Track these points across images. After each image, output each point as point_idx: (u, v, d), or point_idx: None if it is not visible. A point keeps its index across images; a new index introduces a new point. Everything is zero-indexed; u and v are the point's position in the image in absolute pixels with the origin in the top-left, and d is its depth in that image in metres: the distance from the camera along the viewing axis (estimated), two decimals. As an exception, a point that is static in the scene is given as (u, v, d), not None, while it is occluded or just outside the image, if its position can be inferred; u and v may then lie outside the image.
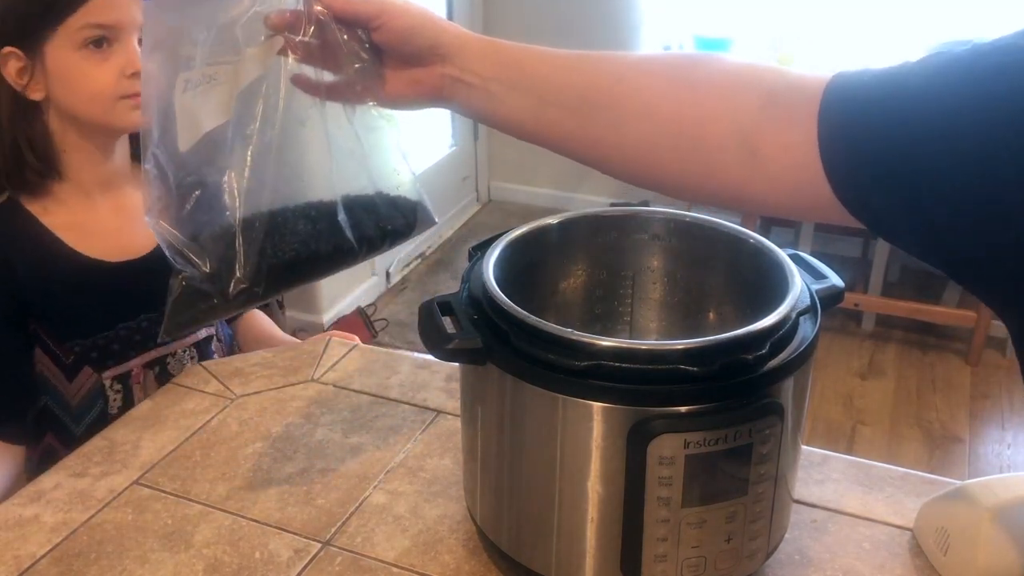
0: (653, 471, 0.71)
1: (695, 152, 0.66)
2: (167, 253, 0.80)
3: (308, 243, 0.84)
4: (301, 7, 0.76)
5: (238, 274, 0.80)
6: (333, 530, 0.93)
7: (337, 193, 0.86)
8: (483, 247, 0.87)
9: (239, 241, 0.80)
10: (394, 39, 0.76)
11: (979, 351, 2.88)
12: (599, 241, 0.96)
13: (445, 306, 0.80)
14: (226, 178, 0.80)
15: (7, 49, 1.08)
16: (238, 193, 0.80)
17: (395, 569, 0.88)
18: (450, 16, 3.65)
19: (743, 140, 0.64)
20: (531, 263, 0.91)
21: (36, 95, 1.11)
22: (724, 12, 3.42)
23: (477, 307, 0.79)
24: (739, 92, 0.65)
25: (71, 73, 1.09)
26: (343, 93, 0.79)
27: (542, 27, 3.65)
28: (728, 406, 0.71)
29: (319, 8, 0.75)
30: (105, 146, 1.19)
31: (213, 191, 0.80)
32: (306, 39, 0.76)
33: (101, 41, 1.08)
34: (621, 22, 3.54)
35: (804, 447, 0.93)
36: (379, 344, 2.79)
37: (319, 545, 0.91)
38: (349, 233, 0.85)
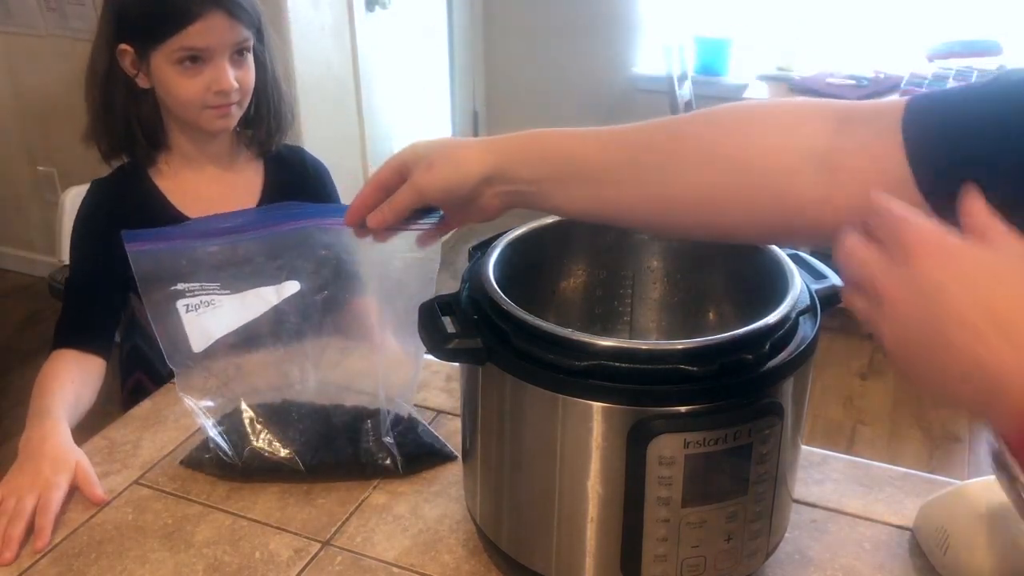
0: (653, 471, 0.71)
1: (765, 182, 0.67)
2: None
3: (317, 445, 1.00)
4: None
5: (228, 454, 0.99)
6: (333, 530, 0.93)
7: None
8: (483, 247, 0.87)
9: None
10: (442, 204, 0.80)
11: (979, 351, 2.88)
12: (599, 241, 0.96)
13: (445, 306, 0.80)
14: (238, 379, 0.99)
15: (123, 46, 1.29)
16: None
17: (395, 569, 0.88)
18: (450, 15, 3.62)
19: (820, 161, 0.65)
20: (531, 263, 0.91)
21: (144, 84, 1.31)
22: (724, 12, 3.42)
23: (477, 307, 0.79)
24: (807, 121, 0.67)
25: (167, 81, 1.29)
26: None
27: (542, 27, 3.64)
28: (728, 406, 0.71)
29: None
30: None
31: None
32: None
33: (196, 59, 1.27)
34: (621, 22, 3.53)
35: (804, 447, 0.93)
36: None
37: (319, 545, 0.91)
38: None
